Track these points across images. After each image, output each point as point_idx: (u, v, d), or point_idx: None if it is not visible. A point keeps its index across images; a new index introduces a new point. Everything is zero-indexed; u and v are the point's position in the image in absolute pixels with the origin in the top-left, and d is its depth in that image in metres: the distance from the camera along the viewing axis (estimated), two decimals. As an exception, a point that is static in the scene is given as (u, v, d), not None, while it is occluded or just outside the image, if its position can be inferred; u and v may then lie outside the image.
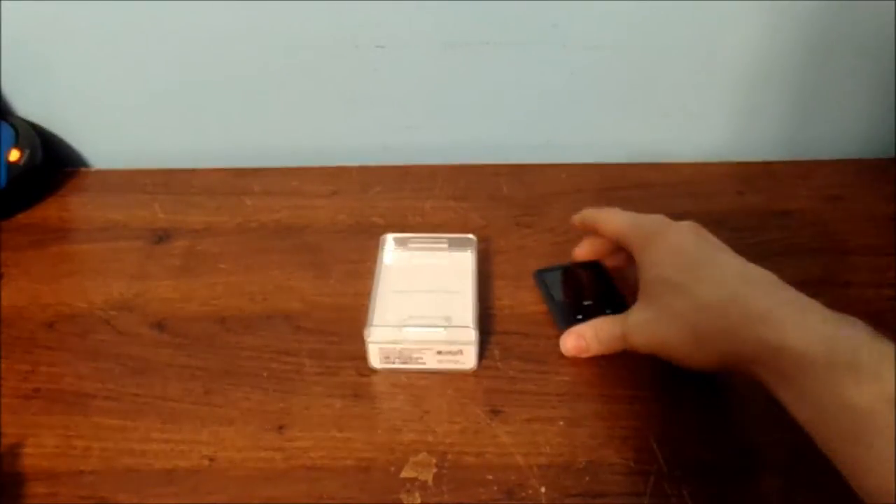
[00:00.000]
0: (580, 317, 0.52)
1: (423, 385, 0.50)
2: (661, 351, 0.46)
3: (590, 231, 0.55)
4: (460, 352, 0.50)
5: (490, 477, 0.45)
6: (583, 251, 0.56)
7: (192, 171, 0.69)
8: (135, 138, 0.72)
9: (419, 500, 0.44)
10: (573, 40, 0.65)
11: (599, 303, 0.53)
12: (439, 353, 0.50)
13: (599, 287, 0.55)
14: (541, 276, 0.57)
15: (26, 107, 0.70)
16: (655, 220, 0.49)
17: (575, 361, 0.51)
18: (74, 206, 0.66)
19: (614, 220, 0.52)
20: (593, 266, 0.56)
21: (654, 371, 0.49)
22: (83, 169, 0.71)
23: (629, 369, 0.50)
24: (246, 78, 0.68)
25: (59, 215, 0.65)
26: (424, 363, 0.50)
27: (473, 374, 0.51)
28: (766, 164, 0.68)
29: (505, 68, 0.67)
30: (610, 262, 0.56)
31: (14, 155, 0.64)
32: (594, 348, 0.50)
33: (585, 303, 0.53)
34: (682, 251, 0.46)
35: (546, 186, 0.66)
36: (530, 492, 0.44)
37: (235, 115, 0.71)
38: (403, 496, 0.44)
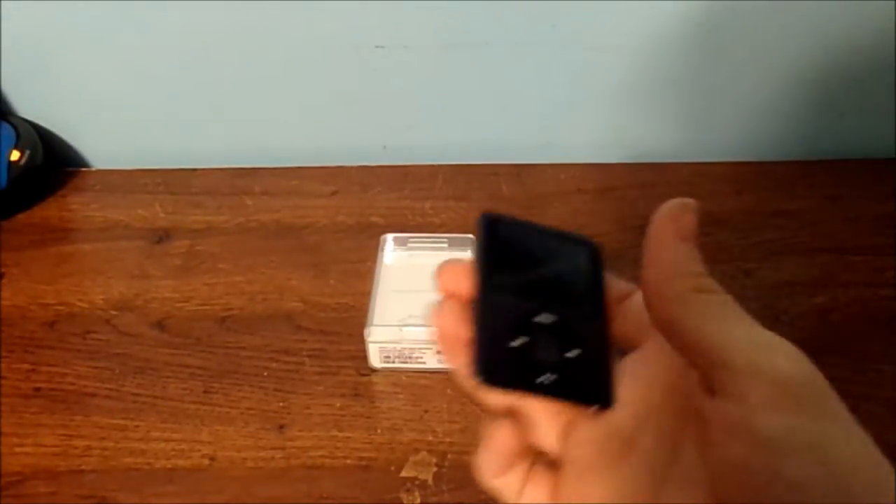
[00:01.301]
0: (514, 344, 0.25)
1: (423, 385, 0.50)
2: None
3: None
4: (460, 351, 0.49)
5: (490, 476, 0.45)
6: None
7: (193, 171, 0.68)
8: (135, 138, 0.72)
9: (419, 500, 0.44)
10: (573, 40, 0.65)
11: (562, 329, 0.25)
12: (439, 352, 0.50)
13: (572, 296, 0.26)
14: (492, 230, 0.27)
15: (26, 107, 0.70)
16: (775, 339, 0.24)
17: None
18: (74, 206, 0.66)
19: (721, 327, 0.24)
20: (586, 251, 0.27)
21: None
22: (83, 169, 0.71)
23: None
24: (246, 78, 0.68)
25: (59, 215, 0.65)
26: (424, 363, 0.50)
27: (473, 373, 0.50)
28: (766, 164, 0.68)
29: (505, 68, 0.67)
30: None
31: (14, 155, 0.64)
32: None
33: (538, 319, 0.25)
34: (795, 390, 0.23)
35: (546, 186, 0.66)
36: (530, 491, 0.44)
37: (235, 115, 0.71)
38: (403, 495, 0.44)
